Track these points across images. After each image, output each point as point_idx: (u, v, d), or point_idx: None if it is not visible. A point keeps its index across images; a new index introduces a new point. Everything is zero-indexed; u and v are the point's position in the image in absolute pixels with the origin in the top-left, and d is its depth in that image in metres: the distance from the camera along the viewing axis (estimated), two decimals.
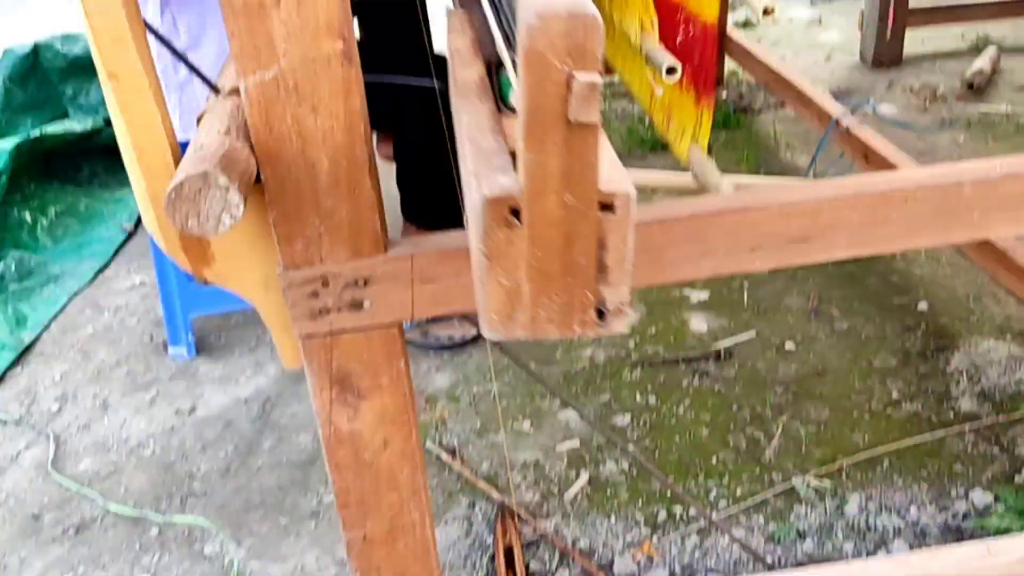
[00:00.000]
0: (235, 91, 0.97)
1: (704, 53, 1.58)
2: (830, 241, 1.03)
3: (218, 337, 2.38)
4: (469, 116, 0.85)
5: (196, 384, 2.21)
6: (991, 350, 2.06)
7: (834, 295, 2.33)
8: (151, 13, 1.90)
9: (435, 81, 2.12)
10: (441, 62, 2.30)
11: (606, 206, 0.68)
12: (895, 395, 1.97)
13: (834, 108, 2.72)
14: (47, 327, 2.50)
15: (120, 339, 2.42)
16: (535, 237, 0.69)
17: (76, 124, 3.23)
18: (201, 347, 2.33)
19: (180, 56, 1.01)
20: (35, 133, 3.13)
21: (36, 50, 3.37)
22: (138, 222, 3.02)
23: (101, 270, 2.78)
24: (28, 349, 2.41)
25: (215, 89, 1.02)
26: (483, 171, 0.72)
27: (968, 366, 2.02)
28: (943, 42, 4.09)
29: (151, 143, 0.92)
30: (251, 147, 0.90)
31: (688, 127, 1.67)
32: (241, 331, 2.39)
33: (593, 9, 0.63)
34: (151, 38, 0.99)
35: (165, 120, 0.93)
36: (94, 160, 3.31)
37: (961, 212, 1.04)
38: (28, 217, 3.05)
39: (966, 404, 1.93)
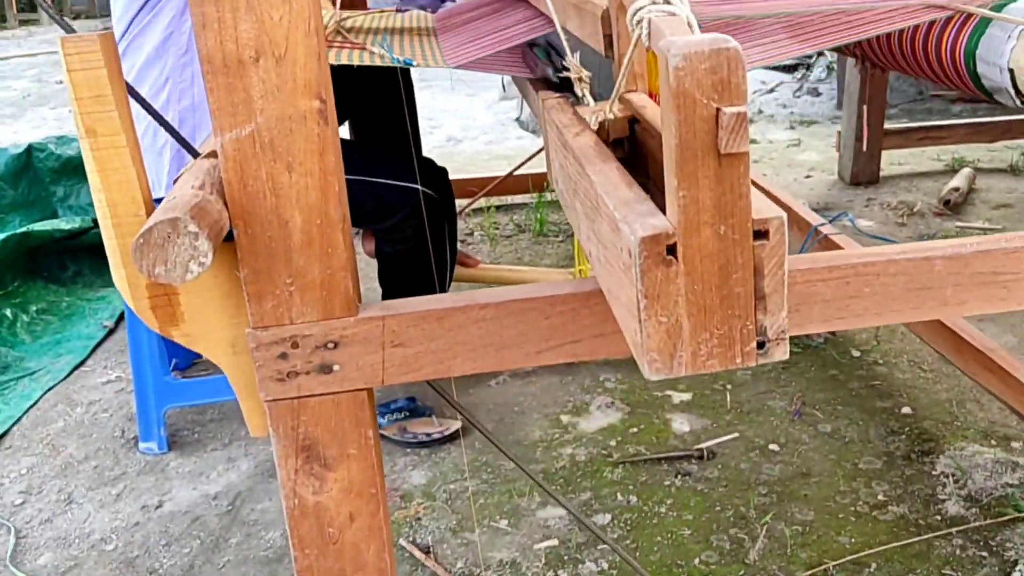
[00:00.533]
0: (213, 154, 0.97)
1: None
2: (804, 315, 1.03)
3: (192, 432, 2.33)
4: (599, 176, 0.86)
5: (165, 479, 2.15)
6: (976, 454, 2.03)
7: (817, 398, 2.31)
8: (170, 65, 1.90)
9: (419, 183, 2.16)
10: (426, 165, 2.35)
11: (760, 233, 0.69)
12: (881, 497, 1.93)
13: (814, 219, 2.78)
14: (18, 421, 2.45)
15: (91, 433, 2.37)
16: (692, 271, 0.69)
17: (63, 223, 3.24)
18: (173, 442, 2.28)
19: (161, 120, 1.03)
20: (21, 230, 3.14)
21: (30, 150, 3.42)
22: (119, 319, 3.00)
23: (78, 366, 2.74)
24: None
25: (194, 152, 1.03)
26: (631, 216, 0.73)
27: (954, 469, 1.99)
28: (920, 163, 4.21)
29: (124, 198, 0.92)
30: (224, 203, 0.90)
31: None
32: (216, 426, 2.34)
33: (733, 41, 0.64)
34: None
35: (140, 177, 0.94)
36: (80, 259, 3.31)
37: (934, 288, 1.04)
38: (9, 313, 3.03)
39: (953, 508, 1.88)
